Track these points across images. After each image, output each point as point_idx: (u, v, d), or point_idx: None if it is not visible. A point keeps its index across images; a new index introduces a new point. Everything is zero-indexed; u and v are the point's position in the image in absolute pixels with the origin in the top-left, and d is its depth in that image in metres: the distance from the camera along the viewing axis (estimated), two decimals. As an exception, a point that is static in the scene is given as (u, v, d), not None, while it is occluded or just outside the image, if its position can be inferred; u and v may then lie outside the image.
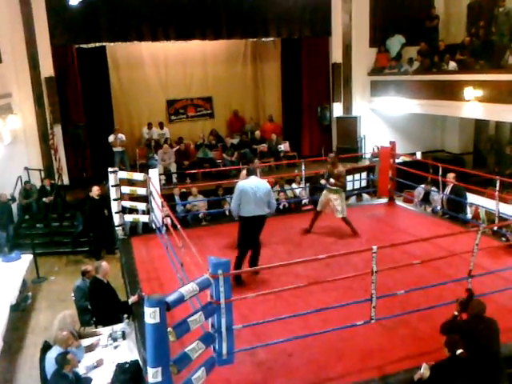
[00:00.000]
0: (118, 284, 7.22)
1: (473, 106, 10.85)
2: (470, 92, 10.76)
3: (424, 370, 4.27)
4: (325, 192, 8.03)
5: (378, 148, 12.33)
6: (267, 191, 6.40)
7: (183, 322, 3.80)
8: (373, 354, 4.82)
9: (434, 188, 9.90)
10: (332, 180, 7.77)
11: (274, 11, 13.27)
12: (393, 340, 5.05)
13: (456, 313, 4.62)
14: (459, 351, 4.13)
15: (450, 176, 8.93)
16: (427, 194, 10.08)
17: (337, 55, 14.24)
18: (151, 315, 3.53)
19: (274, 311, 5.52)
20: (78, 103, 12.77)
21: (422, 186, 10.17)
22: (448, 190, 8.98)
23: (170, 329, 3.66)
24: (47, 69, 12.01)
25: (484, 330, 4.41)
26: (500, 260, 6.62)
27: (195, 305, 4.35)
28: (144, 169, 10.62)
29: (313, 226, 8.19)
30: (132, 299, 6.07)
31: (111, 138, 12.52)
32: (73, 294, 6.86)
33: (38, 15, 11.66)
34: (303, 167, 9.86)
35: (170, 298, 3.67)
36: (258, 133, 14.29)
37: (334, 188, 7.83)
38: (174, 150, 13.21)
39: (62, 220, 11.43)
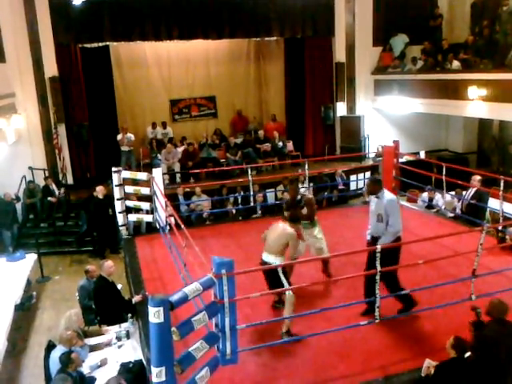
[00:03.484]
0: (122, 283, 7.24)
1: (476, 105, 10.81)
2: (473, 91, 10.73)
3: (428, 365, 4.29)
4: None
5: (382, 147, 12.31)
6: None
7: (187, 322, 3.81)
8: (376, 354, 4.82)
9: (437, 193, 9.76)
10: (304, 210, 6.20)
11: (277, 11, 13.25)
12: (396, 340, 5.05)
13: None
14: (467, 354, 4.10)
15: (476, 179, 8.33)
16: (432, 199, 9.95)
17: (340, 54, 14.21)
18: (155, 315, 3.54)
19: (278, 311, 5.53)
20: (81, 103, 12.79)
21: (426, 193, 10.00)
22: (471, 193, 8.41)
23: (173, 328, 3.67)
24: (51, 68, 12.02)
25: (507, 335, 4.23)
26: (504, 259, 6.60)
27: (199, 304, 4.36)
28: (148, 168, 10.63)
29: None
30: (136, 299, 6.10)
31: (119, 137, 12.53)
32: (77, 294, 6.89)
33: (42, 15, 11.67)
34: (306, 167, 9.85)
35: (174, 298, 3.68)
36: (261, 132, 14.27)
37: (306, 222, 6.27)
38: (181, 150, 13.21)
39: (67, 219, 11.45)
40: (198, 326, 3.87)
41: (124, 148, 12.55)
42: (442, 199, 9.61)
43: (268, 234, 5.45)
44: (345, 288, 6.01)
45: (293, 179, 6.64)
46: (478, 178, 8.38)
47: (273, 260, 5.23)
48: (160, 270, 7.05)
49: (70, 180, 12.56)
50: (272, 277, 5.11)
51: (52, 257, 10.40)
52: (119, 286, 6.70)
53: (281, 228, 5.33)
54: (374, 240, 5.47)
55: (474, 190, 8.38)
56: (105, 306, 6.22)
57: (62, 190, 11.60)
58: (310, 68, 14.48)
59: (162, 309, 3.53)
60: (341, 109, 14.52)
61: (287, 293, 5.06)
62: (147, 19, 12.43)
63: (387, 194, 5.45)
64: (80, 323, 5.89)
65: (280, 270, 5.02)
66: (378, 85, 14.32)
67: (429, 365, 4.32)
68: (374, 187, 5.52)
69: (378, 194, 5.46)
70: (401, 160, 10.06)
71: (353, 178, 12.65)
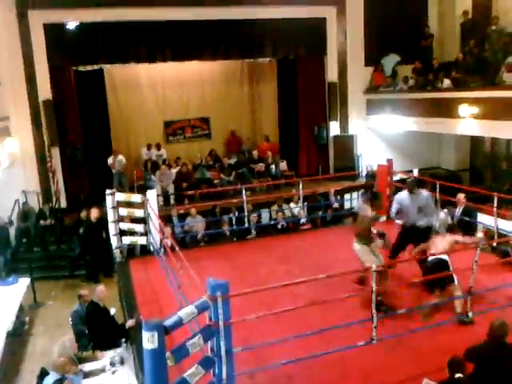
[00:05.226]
0: (116, 307, 7.15)
1: (468, 122, 10.89)
2: (465, 109, 10.82)
3: None
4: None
5: (370, 167, 12.61)
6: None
7: (182, 346, 3.76)
8: (374, 375, 4.76)
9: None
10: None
11: (270, 31, 13.39)
12: (394, 360, 4.99)
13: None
14: (458, 375, 4.04)
15: (460, 197, 8.54)
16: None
17: (332, 74, 14.34)
18: (149, 340, 3.49)
19: (274, 332, 5.46)
20: (75, 125, 12.81)
21: None
22: (459, 211, 8.59)
23: (168, 353, 3.61)
24: (45, 91, 12.04)
25: (503, 360, 4.12)
26: (500, 277, 6.58)
27: (194, 328, 4.30)
28: (142, 190, 10.59)
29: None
30: (129, 323, 6.00)
31: (110, 160, 12.52)
32: (70, 319, 6.79)
33: (36, 38, 11.73)
34: (301, 186, 9.84)
35: (169, 322, 3.63)
36: (255, 152, 14.32)
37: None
38: (175, 171, 13.21)
39: (60, 243, 11.34)
40: (194, 351, 3.81)
41: (115, 170, 12.53)
42: (436, 216, 9.60)
43: (436, 244, 6.20)
44: (342, 307, 5.95)
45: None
46: (463, 195, 8.64)
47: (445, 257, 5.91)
48: (155, 293, 6.97)
49: (63, 203, 12.48)
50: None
51: (45, 281, 10.25)
52: (112, 311, 6.63)
53: (450, 238, 6.26)
54: (414, 227, 6.91)
55: (462, 207, 8.56)
56: (98, 331, 6.14)
57: (49, 221, 11.46)
58: (302, 88, 14.59)
59: (156, 333, 3.48)
60: (334, 128, 14.60)
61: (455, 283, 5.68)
62: (141, 41, 12.54)
63: (423, 191, 7.04)
64: (74, 349, 5.80)
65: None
66: (370, 104, 14.44)
67: None
68: (414, 186, 6.97)
69: (415, 191, 6.90)
70: (395, 178, 10.09)
71: (347, 196, 12.65)
